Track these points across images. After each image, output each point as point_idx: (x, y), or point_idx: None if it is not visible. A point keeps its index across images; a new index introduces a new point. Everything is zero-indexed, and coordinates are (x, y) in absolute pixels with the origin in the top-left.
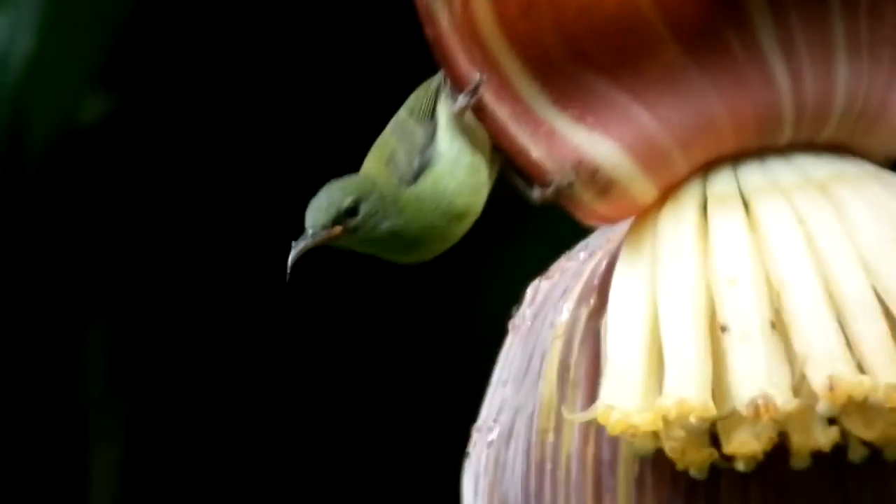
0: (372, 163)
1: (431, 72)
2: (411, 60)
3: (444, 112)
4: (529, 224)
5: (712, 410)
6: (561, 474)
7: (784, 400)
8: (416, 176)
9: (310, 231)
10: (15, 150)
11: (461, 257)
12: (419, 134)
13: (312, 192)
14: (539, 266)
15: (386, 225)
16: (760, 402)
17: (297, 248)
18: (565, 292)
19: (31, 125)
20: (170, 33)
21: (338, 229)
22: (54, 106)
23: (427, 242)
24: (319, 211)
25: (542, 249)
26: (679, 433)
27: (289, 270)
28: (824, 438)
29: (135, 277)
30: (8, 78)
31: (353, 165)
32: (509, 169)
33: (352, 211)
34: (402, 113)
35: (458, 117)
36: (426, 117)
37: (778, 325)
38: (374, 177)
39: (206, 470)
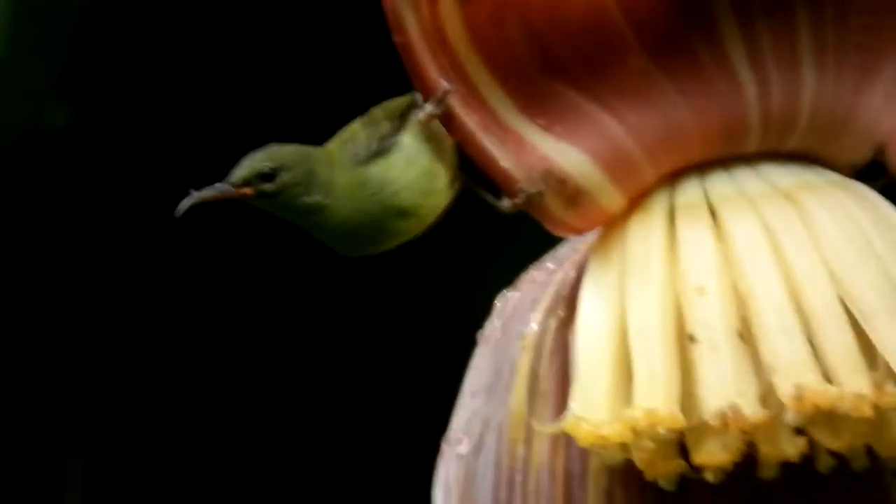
0: (330, 142)
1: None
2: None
3: (414, 116)
4: (522, 236)
5: (681, 421)
6: (531, 486)
7: (752, 410)
8: (369, 160)
9: (219, 184)
10: None
11: (455, 264)
12: (385, 126)
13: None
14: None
15: (308, 199)
16: (728, 412)
17: (197, 196)
18: (534, 303)
19: None
20: (132, 39)
21: (247, 190)
22: (16, 113)
23: (358, 230)
24: (238, 168)
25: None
26: (648, 444)
27: (178, 213)
28: (792, 448)
29: (96, 287)
30: None
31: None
32: (476, 182)
33: (268, 176)
34: (376, 109)
35: (427, 126)
36: (397, 117)
37: (745, 335)
38: (314, 152)
39: None
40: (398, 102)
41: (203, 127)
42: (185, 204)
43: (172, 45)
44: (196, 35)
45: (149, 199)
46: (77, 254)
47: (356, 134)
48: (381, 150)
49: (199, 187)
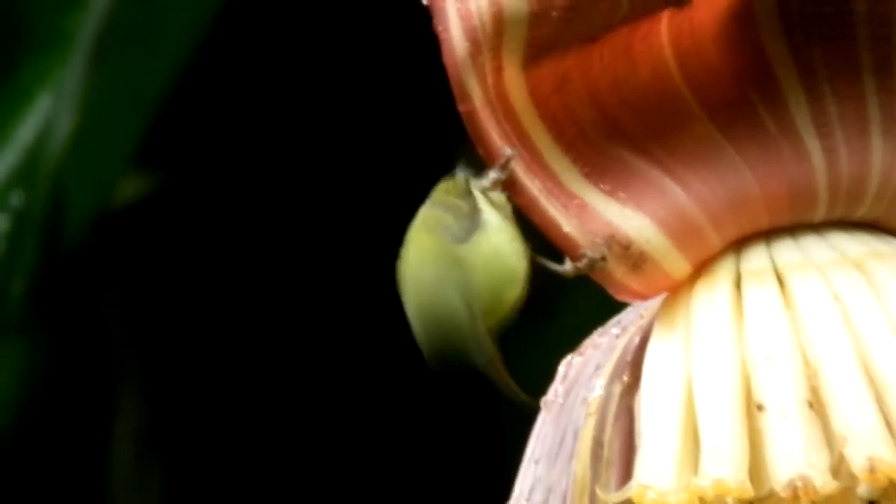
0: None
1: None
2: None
3: (478, 191)
4: (560, 301)
5: (750, 491)
6: None
7: (823, 481)
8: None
9: None
10: (54, 231)
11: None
12: (462, 204)
13: (357, 268)
14: (566, 343)
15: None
16: (799, 482)
17: None
18: (598, 368)
19: (71, 206)
20: (209, 111)
21: None
22: (93, 186)
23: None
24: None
25: (571, 328)
26: None
27: None
28: None
29: (172, 355)
30: (48, 159)
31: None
32: (534, 248)
33: None
34: (434, 196)
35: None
36: (463, 196)
37: (815, 405)
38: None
39: None
40: (451, 187)
41: (271, 200)
42: None
43: (245, 118)
44: (267, 109)
45: (218, 271)
46: (145, 329)
47: (441, 218)
48: (472, 228)
49: (274, 264)
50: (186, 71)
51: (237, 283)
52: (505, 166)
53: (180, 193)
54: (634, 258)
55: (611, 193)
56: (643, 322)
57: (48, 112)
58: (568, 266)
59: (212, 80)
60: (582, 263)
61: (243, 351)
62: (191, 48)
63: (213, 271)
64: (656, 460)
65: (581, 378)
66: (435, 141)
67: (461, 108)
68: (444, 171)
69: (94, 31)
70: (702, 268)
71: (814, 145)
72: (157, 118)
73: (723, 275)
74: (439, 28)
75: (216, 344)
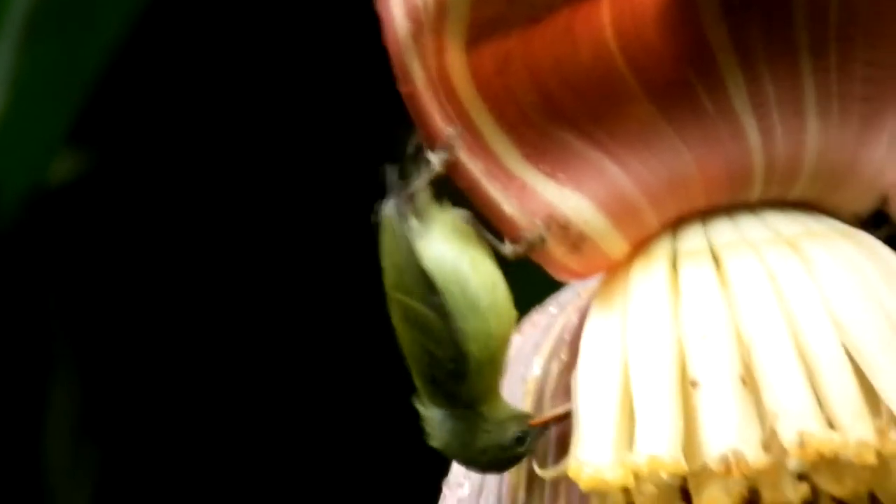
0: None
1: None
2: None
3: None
4: (523, 281)
5: (683, 466)
6: None
7: (754, 456)
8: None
9: None
10: None
11: None
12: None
13: (291, 248)
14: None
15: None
16: (731, 457)
17: None
18: (536, 347)
19: (4, 184)
20: (143, 90)
21: None
22: (27, 165)
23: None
24: None
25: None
26: (650, 489)
27: None
28: (794, 495)
29: (104, 334)
30: None
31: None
32: (481, 226)
33: None
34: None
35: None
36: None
37: (748, 381)
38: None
39: None
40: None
41: (208, 179)
42: None
43: (180, 95)
44: (205, 85)
45: (154, 250)
46: (80, 306)
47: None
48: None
49: (210, 241)
50: (121, 49)
51: (172, 262)
52: (448, 148)
53: (114, 172)
54: (573, 238)
55: (550, 174)
56: (581, 301)
57: None
58: (508, 247)
59: (146, 59)
60: (522, 244)
61: (178, 329)
62: (126, 26)
63: (147, 251)
64: (593, 437)
65: (520, 356)
66: (375, 122)
67: (403, 89)
68: (384, 151)
69: (26, 9)
70: (639, 247)
71: (751, 125)
72: (91, 96)
73: (660, 254)
74: (381, 8)
75: (150, 324)
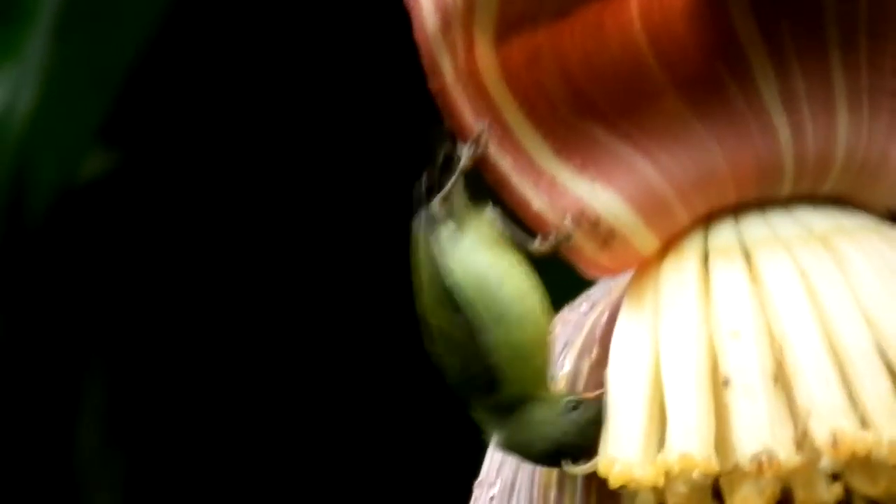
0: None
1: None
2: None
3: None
4: (553, 277)
5: (715, 466)
6: None
7: (787, 455)
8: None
9: None
10: (16, 206)
11: None
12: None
13: (313, 252)
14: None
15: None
16: (763, 457)
17: None
18: (567, 345)
19: (34, 181)
20: (172, 89)
21: None
22: (56, 162)
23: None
24: None
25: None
26: (682, 488)
27: None
28: (828, 494)
29: (134, 333)
30: (10, 134)
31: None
32: (510, 225)
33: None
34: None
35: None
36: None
37: (780, 379)
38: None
39: None
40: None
41: (237, 177)
42: None
43: (211, 93)
44: (234, 84)
45: (184, 247)
46: (109, 304)
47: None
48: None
49: (238, 240)
50: (151, 46)
51: (201, 261)
52: (478, 142)
53: (143, 170)
54: (603, 234)
55: (580, 170)
56: (612, 298)
57: (11, 86)
58: (538, 243)
59: (175, 57)
60: (551, 240)
61: (208, 328)
62: (155, 24)
63: (177, 250)
64: (623, 434)
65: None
66: (406, 119)
67: (432, 84)
68: (414, 148)
69: (59, 5)
70: (670, 244)
71: (781, 120)
72: (120, 95)
73: (691, 251)
74: (410, 3)
75: (179, 322)
